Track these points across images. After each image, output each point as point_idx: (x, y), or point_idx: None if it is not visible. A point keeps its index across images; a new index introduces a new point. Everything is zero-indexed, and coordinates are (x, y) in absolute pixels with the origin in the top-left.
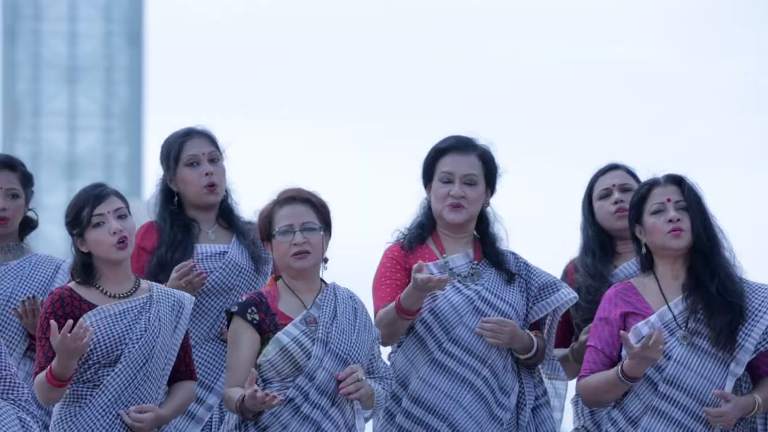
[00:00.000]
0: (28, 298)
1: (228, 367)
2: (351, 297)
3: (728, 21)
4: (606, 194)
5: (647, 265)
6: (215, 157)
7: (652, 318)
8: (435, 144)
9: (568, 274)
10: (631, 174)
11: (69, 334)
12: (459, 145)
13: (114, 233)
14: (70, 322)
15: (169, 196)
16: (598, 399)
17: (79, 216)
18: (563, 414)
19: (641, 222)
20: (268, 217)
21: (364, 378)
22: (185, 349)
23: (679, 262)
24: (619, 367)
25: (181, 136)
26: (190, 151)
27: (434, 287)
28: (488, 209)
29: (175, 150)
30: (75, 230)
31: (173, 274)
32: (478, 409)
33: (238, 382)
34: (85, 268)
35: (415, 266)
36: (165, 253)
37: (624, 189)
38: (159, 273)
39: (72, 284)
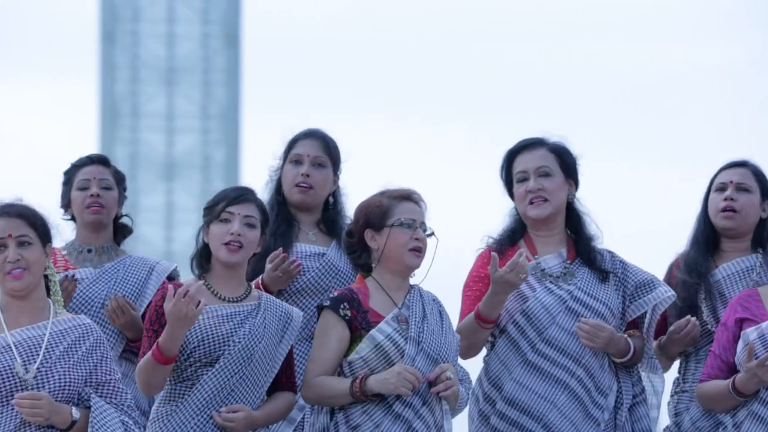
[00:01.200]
0: (115, 297)
1: (312, 358)
2: (434, 300)
3: None
4: (721, 188)
5: None
6: (321, 162)
7: (764, 324)
8: (506, 151)
9: (672, 272)
10: (757, 175)
11: (183, 299)
12: (527, 143)
13: (231, 233)
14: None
15: (279, 185)
16: (712, 407)
17: (214, 207)
18: (660, 412)
19: None
20: (381, 207)
21: (453, 376)
22: (289, 362)
23: None
24: (732, 380)
25: (299, 133)
26: (297, 149)
27: (513, 280)
28: (576, 204)
29: (287, 145)
30: (205, 218)
31: (267, 265)
32: (573, 409)
33: (320, 374)
34: (203, 258)
35: (489, 267)
36: (268, 238)
37: (740, 188)
38: (260, 259)
39: (186, 281)
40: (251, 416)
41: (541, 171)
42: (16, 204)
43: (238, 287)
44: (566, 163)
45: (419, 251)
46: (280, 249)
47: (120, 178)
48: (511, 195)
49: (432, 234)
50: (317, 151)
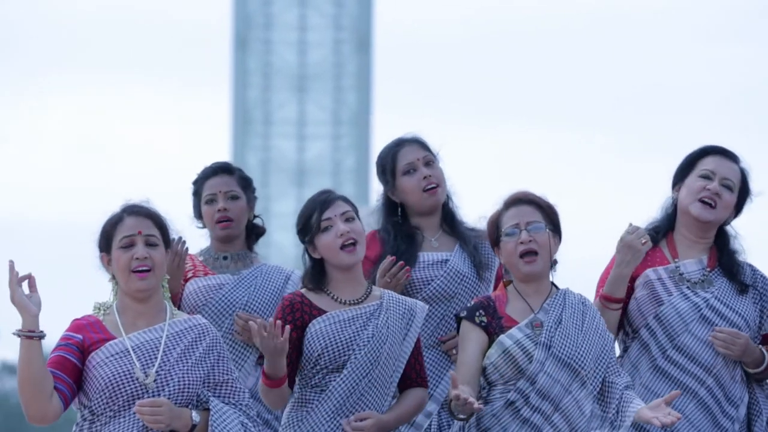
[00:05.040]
0: (237, 314)
1: (456, 367)
2: (582, 302)
3: None
4: None
5: None
6: (430, 160)
7: None
8: (700, 146)
9: None
10: None
11: (265, 333)
12: (725, 151)
13: (341, 235)
14: (271, 320)
15: (391, 208)
16: None
17: (308, 223)
18: None
19: None
20: (495, 222)
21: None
22: (416, 357)
23: None
24: None
25: (392, 147)
26: (405, 159)
27: (634, 243)
28: (729, 227)
29: (390, 162)
30: (306, 237)
31: (377, 275)
32: (701, 418)
33: (462, 380)
34: (317, 275)
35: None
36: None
37: None
38: (374, 267)
39: (304, 290)
40: (381, 421)
41: (726, 182)
42: (145, 205)
43: (357, 288)
44: (743, 190)
45: (528, 254)
46: (388, 257)
47: (246, 184)
48: (675, 186)
49: (543, 228)
50: (422, 152)
